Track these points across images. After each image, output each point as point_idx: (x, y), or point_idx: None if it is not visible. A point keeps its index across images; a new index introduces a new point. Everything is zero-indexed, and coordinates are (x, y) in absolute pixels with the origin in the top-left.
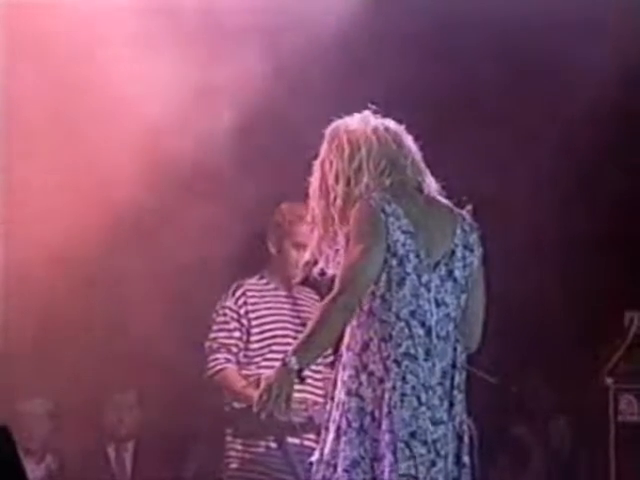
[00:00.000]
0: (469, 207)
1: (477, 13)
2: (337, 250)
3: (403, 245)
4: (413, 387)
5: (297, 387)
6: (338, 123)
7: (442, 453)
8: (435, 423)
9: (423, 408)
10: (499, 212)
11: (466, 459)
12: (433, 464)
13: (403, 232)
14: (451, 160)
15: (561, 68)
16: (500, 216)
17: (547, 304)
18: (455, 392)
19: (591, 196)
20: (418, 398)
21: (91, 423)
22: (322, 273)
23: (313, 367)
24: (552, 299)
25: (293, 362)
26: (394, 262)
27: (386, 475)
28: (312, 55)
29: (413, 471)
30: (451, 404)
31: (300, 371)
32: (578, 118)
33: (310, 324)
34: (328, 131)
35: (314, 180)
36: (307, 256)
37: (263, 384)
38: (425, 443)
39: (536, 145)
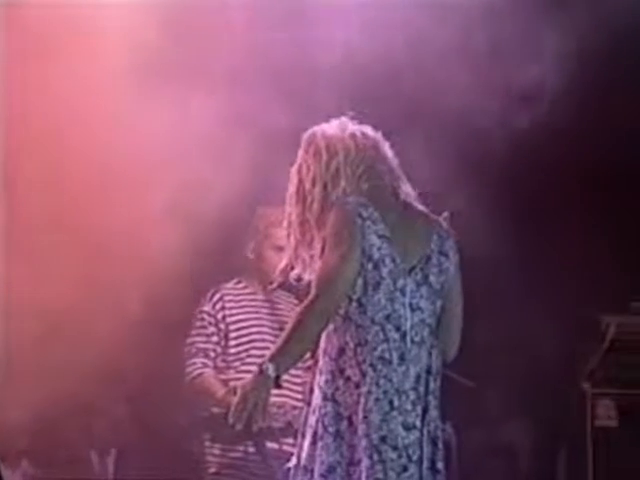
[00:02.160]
0: (445, 214)
1: None
2: (313, 255)
3: (379, 249)
4: (385, 392)
5: (276, 392)
6: (315, 129)
7: (414, 458)
8: (407, 428)
9: (394, 412)
10: (469, 220)
11: (440, 465)
12: (404, 469)
13: (379, 236)
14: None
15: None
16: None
17: (522, 308)
18: (430, 397)
19: (565, 199)
20: (390, 402)
21: (74, 428)
22: (299, 278)
23: (292, 371)
24: (527, 303)
25: (270, 369)
26: (370, 266)
27: None
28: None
29: (381, 475)
30: (425, 409)
31: (277, 378)
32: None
33: (286, 330)
34: (305, 137)
35: (291, 185)
36: (284, 262)
37: (239, 393)
38: (395, 448)
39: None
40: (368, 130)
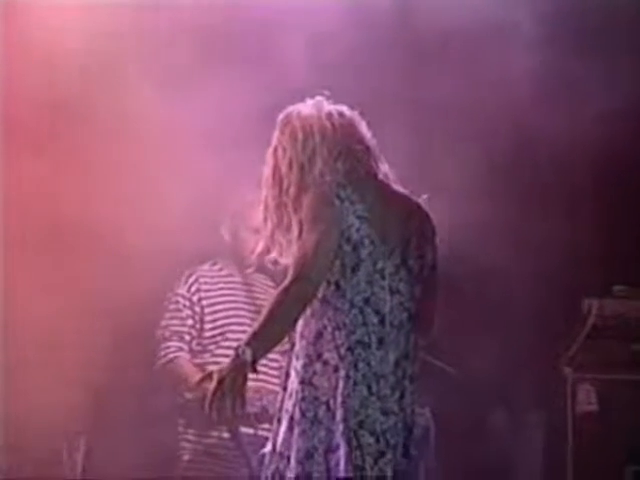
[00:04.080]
0: (425, 196)
1: None
2: (291, 240)
3: (357, 230)
4: (364, 375)
5: (251, 376)
6: (290, 110)
7: (391, 443)
8: (385, 413)
9: (373, 398)
10: (454, 197)
11: (414, 451)
12: (382, 454)
13: (358, 217)
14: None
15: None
16: (455, 201)
17: (502, 289)
18: (406, 382)
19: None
20: (368, 387)
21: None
22: (276, 263)
23: (268, 355)
24: (507, 284)
25: (247, 354)
26: (348, 248)
27: (342, 466)
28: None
29: (360, 461)
30: (402, 395)
31: (254, 363)
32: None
33: (263, 314)
34: (280, 118)
35: (266, 168)
36: (260, 246)
37: (215, 378)
38: (373, 433)
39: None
40: (344, 109)
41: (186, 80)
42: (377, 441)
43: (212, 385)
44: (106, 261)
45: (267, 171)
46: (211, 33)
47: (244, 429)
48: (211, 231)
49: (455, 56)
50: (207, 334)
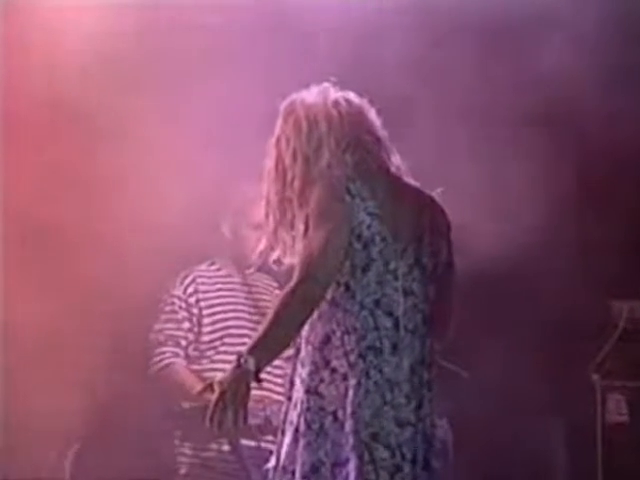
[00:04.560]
0: (439, 189)
1: None
2: (295, 237)
3: (368, 227)
4: (376, 383)
5: (253, 385)
6: (294, 97)
7: (408, 457)
8: (401, 424)
9: (387, 407)
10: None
11: (435, 464)
12: (398, 469)
13: (369, 214)
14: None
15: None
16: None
17: (527, 290)
18: (424, 391)
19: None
20: (382, 396)
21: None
22: (279, 262)
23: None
24: (533, 285)
25: (250, 363)
26: (358, 246)
27: None
28: None
29: (373, 476)
30: (419, 404)
31: (258, 372)
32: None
33: (267, 319)
34: (283, 106)
35: (269, 160)
36: (262, 244)
37: (217, 390)
38: (388, 446)
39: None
40: (352, 96)
41: (186, 77)
42: (392, 455)
43: (213, 397)
44: (106, 261)
45: (269, 163)
46: (211, 32)
47: (245, 441)
48: (209, 228)
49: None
50: (205, 339)
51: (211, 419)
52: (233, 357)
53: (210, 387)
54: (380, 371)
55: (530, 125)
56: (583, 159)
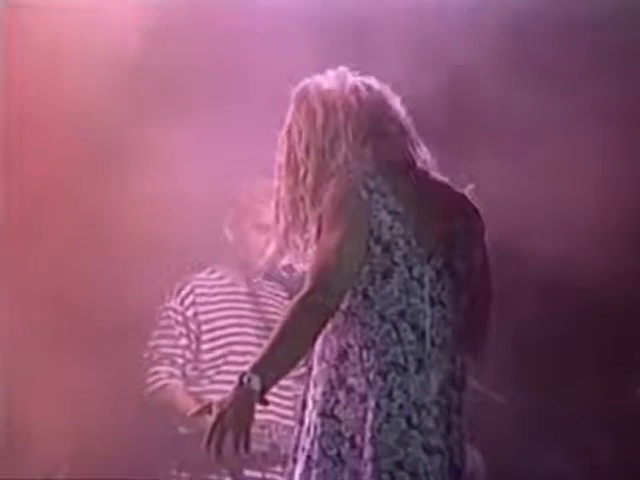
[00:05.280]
0: (471, 186)
1: None
2: (308, 240)
3: (390, 228)
4: (401, 406)
5: (259, 407)
6: (307, 82)
7: None
8: (429, 451)
9: (414, 432)
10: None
11: None
12: None
13: (390, 212)
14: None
15: None
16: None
17: (568, 300)
18: (453, 414)
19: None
20: (408, 419)
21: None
22: (289, 269)
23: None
24: (575, 295)
25: (254, 382)
26: (378, 250)
27: None
28: None
29: None
30: (448, 429)
31: (263, 392)
32: None
33: (275, 332)
34: (295, 92)
35: (279, 154)
36: (271, 248)
37: (215, 412)
38: (415, 475)
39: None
40: (373, 82)
41: (185, 74)
42: None
43: (212, 420)
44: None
45: (280, 157)
46: (212, 31)
47: (249, 472)
48: (210, 231)
49: None
50: (205, 357)
51: (208, 444)
52: (236, 377)
53: (208, 408)
54: (405, 391)
55: None
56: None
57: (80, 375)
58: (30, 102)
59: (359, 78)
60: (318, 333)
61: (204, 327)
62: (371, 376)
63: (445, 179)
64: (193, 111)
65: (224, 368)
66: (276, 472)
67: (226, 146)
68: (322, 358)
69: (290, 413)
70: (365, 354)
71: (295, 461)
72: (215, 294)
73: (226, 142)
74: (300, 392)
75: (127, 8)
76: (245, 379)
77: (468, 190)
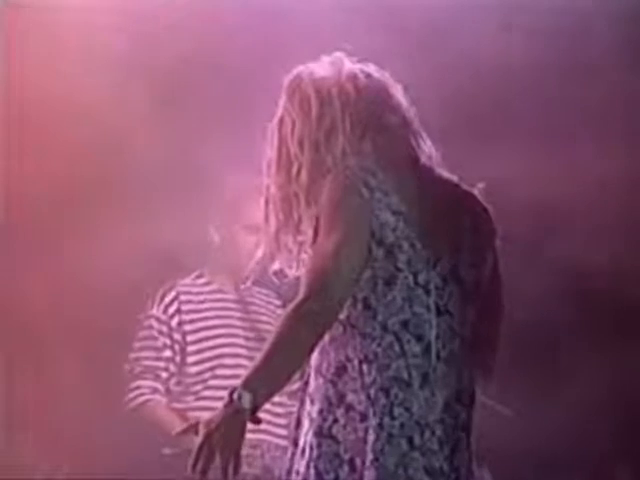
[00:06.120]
0: (481, 184)
1: None
2: (303, 242)
3: (393, 230)
4: (402, 425)
5: (250, 427)
6: (301, 69)
7: None
8: (432, 474)
9: (416, 453)
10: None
11: None
12: None
13: (393, 213)
14: None
15: None
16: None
17: (587, 316)
18: (460, 433)
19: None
20: (409, 440)
21: None
22: (282, 274)
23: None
24: (595, 309)
25: (245, 399)
26: (381, 253)
27: None
28: None
29: None
30: (454, 449)
31: (255, 410)
32: None
33: (267, 343)
34: (287, 81)
35: (270, 148)
36: (261, 251)
37: (202, 431)
38: None
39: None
40: (372, 69)
41: (183, 73)
42: None
43: (198, 439)
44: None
45: (270, 152)
46: (212, 30)
47: None
48: (195, 232)
49: None
50: (190, 370)
51: (193, 467)
52: (226, 393)
53: (194, 428)
54: (407, 409)
55: None
56: None
57: (80, 375)
58: (30, 102)
59: (357, 65)
60: (315, 345)
61: (190, 338)
62: (372, 392)
63: (452, 176)
64: (187, 109)
65: (212, 383)
66: None
67: (210, 138)
68: (319, 372)
69: (284, 432)
70: (366, 368)
71: None
72: (202, 301)
73: (211, 133)
74: (294, 409)
75: (127, 8)
76: (235, 395)
77: (477, 188)
